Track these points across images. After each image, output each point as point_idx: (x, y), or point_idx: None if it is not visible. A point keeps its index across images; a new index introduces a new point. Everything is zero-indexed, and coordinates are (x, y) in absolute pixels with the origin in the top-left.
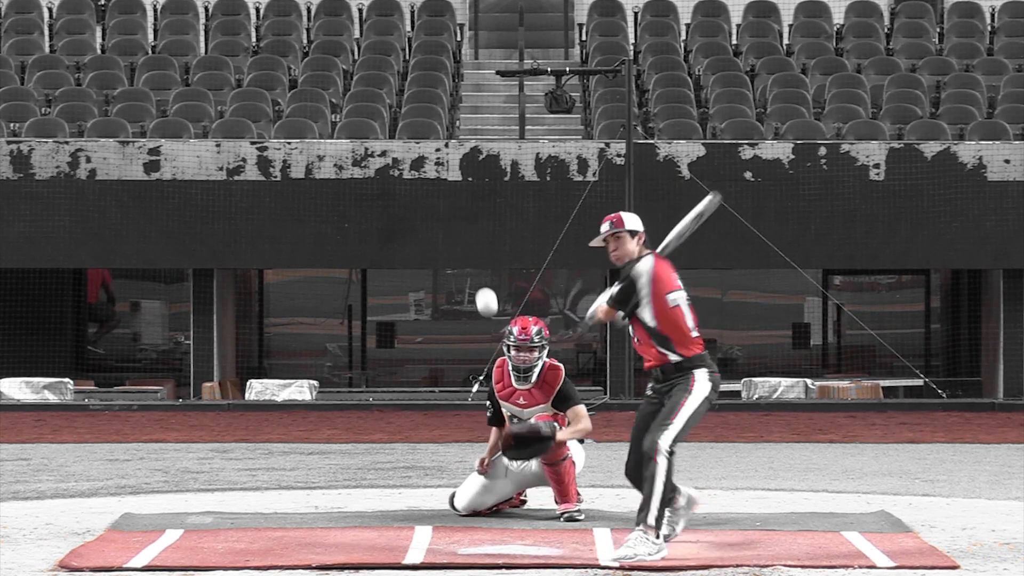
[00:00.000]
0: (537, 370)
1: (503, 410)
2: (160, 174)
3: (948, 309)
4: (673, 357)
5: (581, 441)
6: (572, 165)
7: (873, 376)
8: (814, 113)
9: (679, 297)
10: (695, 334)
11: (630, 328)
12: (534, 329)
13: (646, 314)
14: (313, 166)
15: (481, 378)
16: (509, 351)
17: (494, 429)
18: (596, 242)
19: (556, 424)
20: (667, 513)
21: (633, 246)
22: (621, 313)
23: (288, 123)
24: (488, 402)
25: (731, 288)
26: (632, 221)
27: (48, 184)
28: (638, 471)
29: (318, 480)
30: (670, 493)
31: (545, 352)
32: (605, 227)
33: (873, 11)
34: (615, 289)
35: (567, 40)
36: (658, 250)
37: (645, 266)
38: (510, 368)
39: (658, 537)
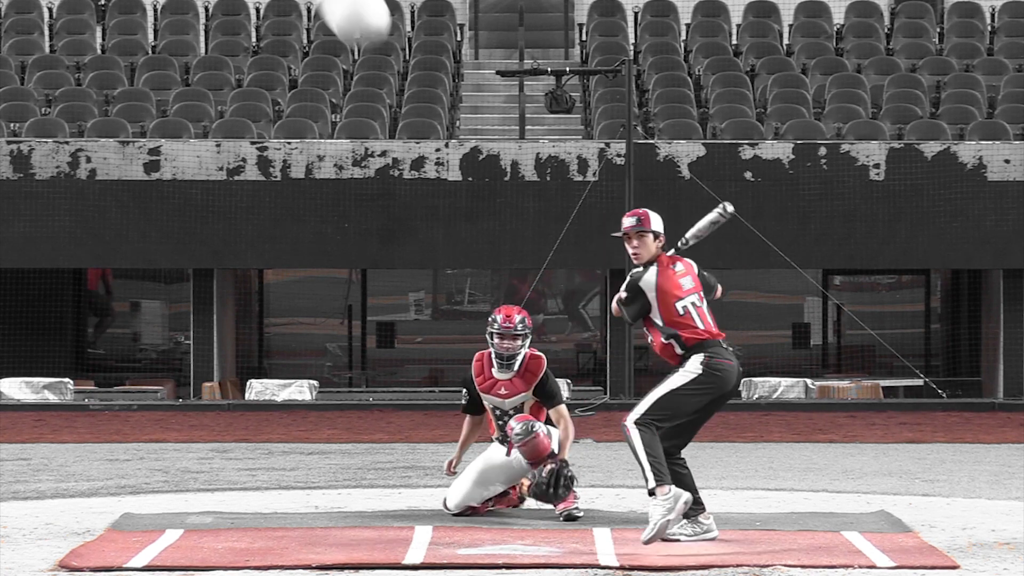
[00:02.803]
0: (520, 358)
1: (484, 402)
2: (160, 174)
3: (948, 309)
4: (679, 349)
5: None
6: (572, 165)
7: (873, 376)
8: (814, 113)
9: (688, 303)
10: (702, 328)
11: (645, 329)
12: (517, 318)
13: (656, 319)
14: (313, 166)
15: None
16: (492, 339)
17: (468, 419)
18: (619, 233)
19: (566, 463)
20: (690, 525)
21: (654, 248)
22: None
23: (288, 123)
24: (464, 390)
25: (731, 288)
26: (657, 222)
27: (48, 184)
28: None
29: (318, 480)
30: (655, 456)
31: (528, 341)
32: (631, 221)
33: (873, 11)
34: (624, 296)
35: (567, 40)
36: (679, 245)
37: (648, 281)
38: (492, 356)
39: (668, 491)
